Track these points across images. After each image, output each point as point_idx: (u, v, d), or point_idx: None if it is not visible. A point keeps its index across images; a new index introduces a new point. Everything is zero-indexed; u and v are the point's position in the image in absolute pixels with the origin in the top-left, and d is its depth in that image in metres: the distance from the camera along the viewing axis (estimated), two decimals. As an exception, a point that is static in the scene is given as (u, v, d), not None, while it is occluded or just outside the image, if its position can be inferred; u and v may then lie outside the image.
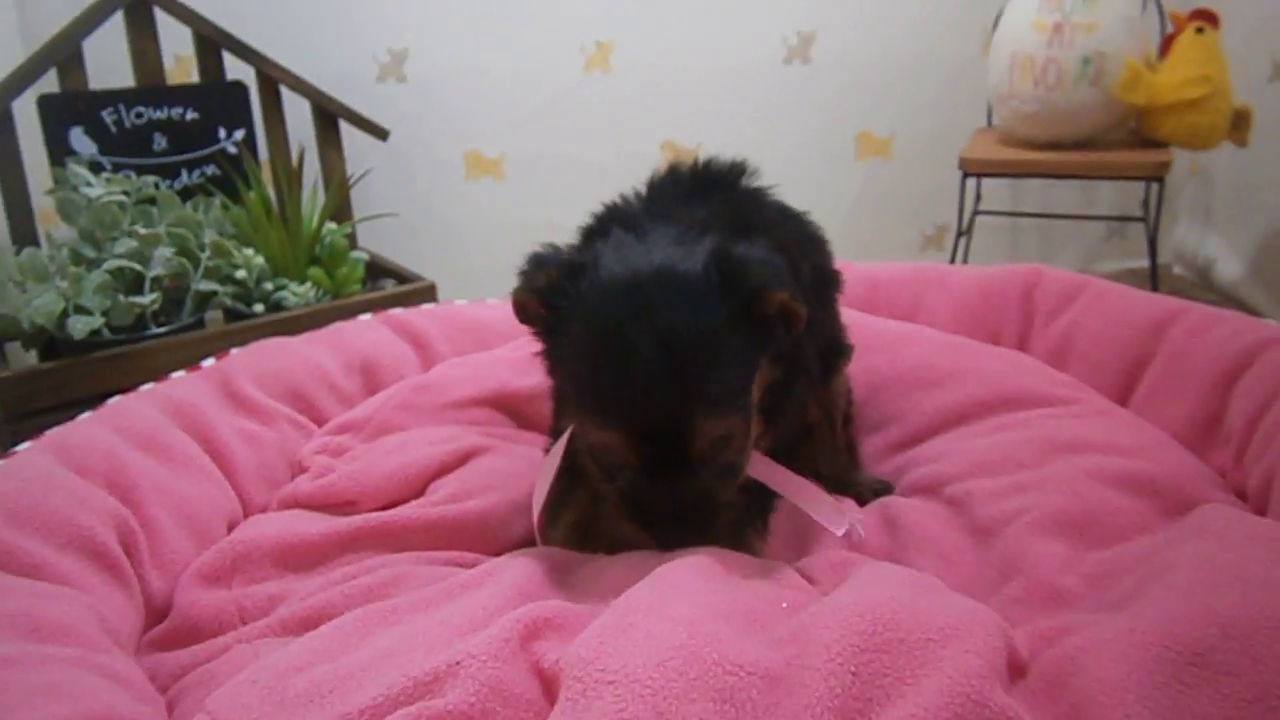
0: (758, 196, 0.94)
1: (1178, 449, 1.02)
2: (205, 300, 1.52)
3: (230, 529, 1.00)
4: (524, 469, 1.02)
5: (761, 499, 0.87)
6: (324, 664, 0.63)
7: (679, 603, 0.64)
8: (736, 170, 0.92)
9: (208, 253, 1.49)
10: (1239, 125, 1.78)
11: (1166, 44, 1.84)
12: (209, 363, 1.19)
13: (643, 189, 0.91)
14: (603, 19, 2.26)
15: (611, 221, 0.85)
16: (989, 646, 0.58)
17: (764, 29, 2.31)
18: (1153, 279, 1.89)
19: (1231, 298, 2.29)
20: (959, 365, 1.19)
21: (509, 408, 1.18)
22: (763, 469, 0.80)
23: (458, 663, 0.59)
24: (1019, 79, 1.83)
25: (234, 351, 1.22)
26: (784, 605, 0.69)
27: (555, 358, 0.80)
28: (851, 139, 2.44)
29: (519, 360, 1.21)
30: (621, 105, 2.31)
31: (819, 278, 0.90)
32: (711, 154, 2.37)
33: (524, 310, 0.78)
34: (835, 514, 0.81)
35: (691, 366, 0.68)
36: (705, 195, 0.87)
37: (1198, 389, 1.06)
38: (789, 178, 2.37)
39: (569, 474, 0.86)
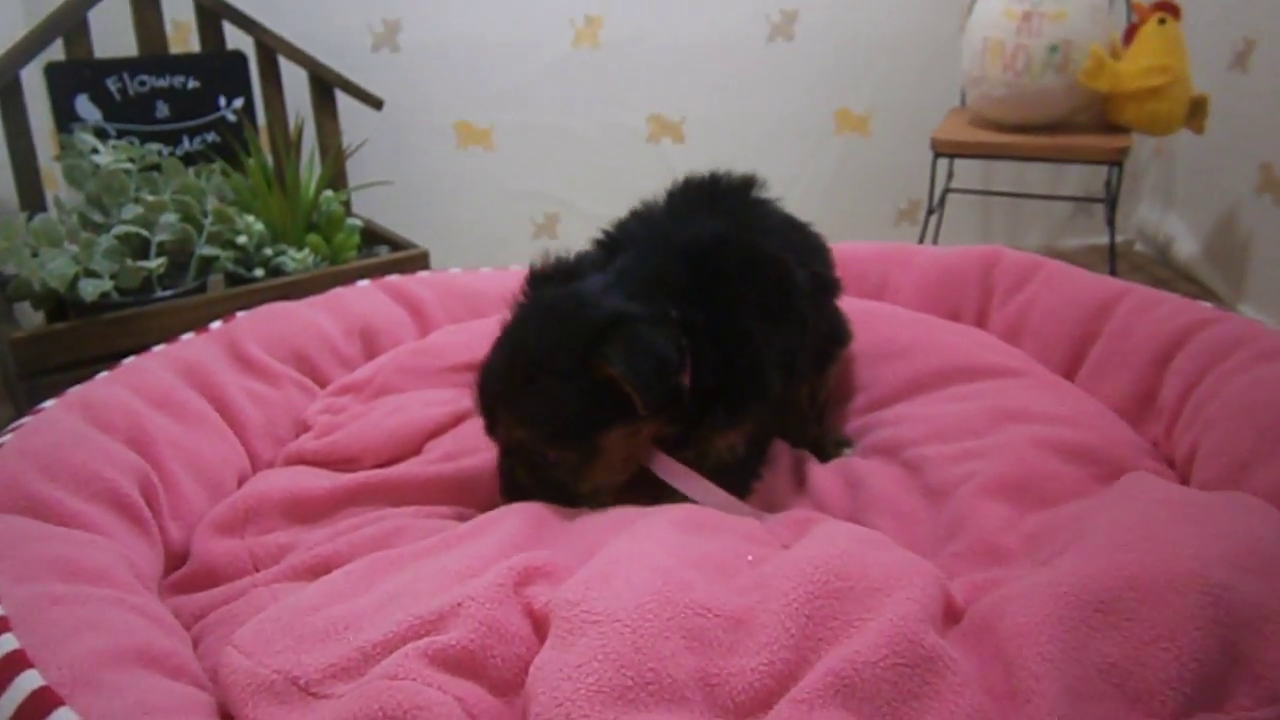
0: (765, 208, 1.01)
1: (1115, 420, 1.08)
2: (208, 265, 1.52)
3: (240, 483, 1.03)
4: None
5: (757, 452, 0.97)
6: (338, 604, 0.69)
7: (656, 553, 0.70)
8: (747, 184, 0.99)
9: (210, 219, 1.49)
10: (1196, 113, 1.82)
11: (1130, 33, 1.87)
12: (217, 325, 1.21)
13: (662, 199, 0.98)
14: (592, -6, 2.25)
15: (631, 231, 0.94)
16: (926, 595, 0.65)
17: (748, 6, 2.28)
18: (1110, 257, 1.94)
19: (1187, 275, 2.33)
20: (919, 339, 1.23)
21: None
22: (668, 469, 0.87)
23: (459, 604, 0.65)
24: (990, 63, 1.85)
25: (240, 315, 1.24)
26: (749, 558, 0.75)
27: None
28: (830, 115, 2.43)
29: None
30: (608, 79, 2.31)
31: (817, 283, 0.98)
32: (697, 129, 2.40)
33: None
34: (731, 505, 0.88)
35: (514, 384, 0.83)
36: (720, 205, 0.95)
37: (1136, 365, 1.12)
38: (770, 151, 2.47)
39: None
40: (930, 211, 2.02)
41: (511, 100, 2.29)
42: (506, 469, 0.89)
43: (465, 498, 0.99)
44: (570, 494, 0.86)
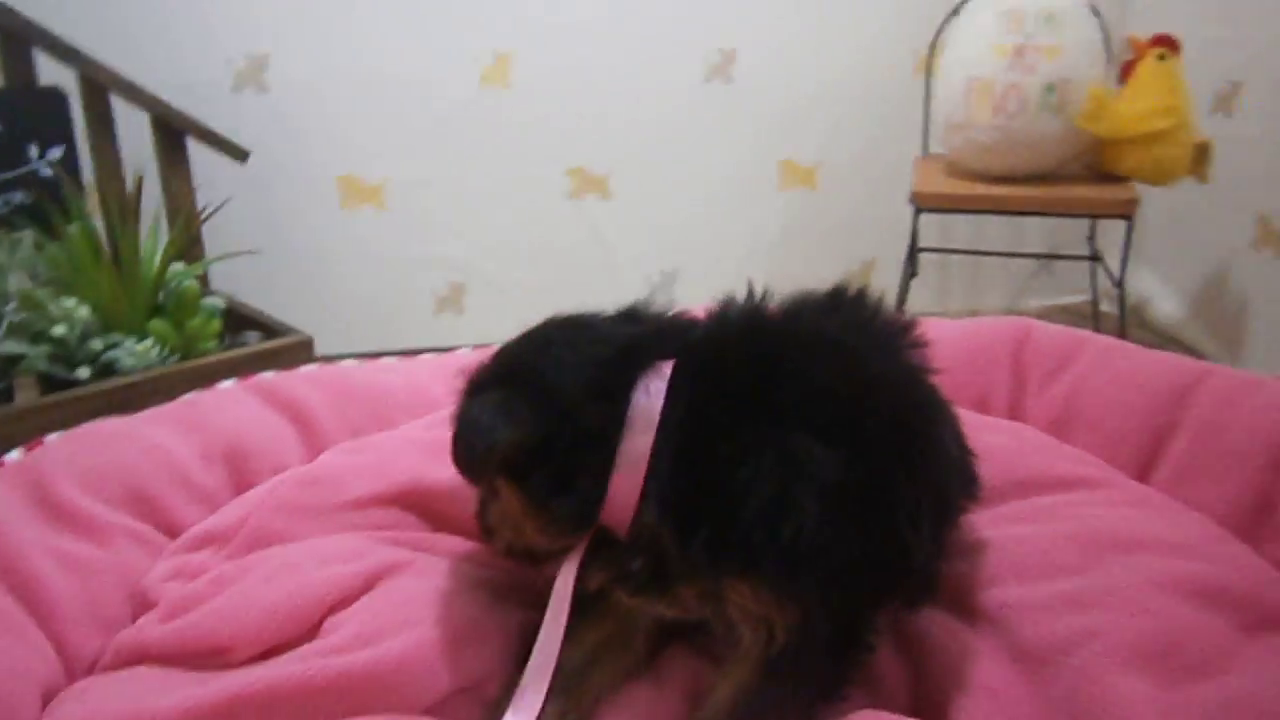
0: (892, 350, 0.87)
1: (1236, 544, 0.93)
2: (10, 365, 1.32)
3: (47, 702, 0.80)
4: (450, 591, 0.87)
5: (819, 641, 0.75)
6: None
7: None
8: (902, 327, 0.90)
9: (13, 304, 1.31)
10: (1200, 159, 1.79)
11: (1126, 70, 1.85)
12: (14, 456, 1.01)
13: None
14: (502, 27, 2.18)
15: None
16: None
17: (682, 44, 2.26)
18: (1121, 323, 1.92)
19: (1170, 337, 2.33)
20: (956, 439, 1.10)
21: (423, 507, 1.02)
22: (557, 591, 0.77)
23: None
24: (976, 106, 1.80)
25: (50, 439, 1.04)
26: None
27: None
28: (774, 166, 2.39)
29: (432, 443, 1.04)
30: (522, 126, 2.24)
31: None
32: (626, 184, 2.32)
33: None
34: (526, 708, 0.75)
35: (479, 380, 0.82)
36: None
37: (1241, 469, 1.00)
38: (707, 208, 2.40)
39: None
40: (912, 274, 1.92)
41: (407, 150, 2.21)
42: None
43: (391, 699, 0.79)
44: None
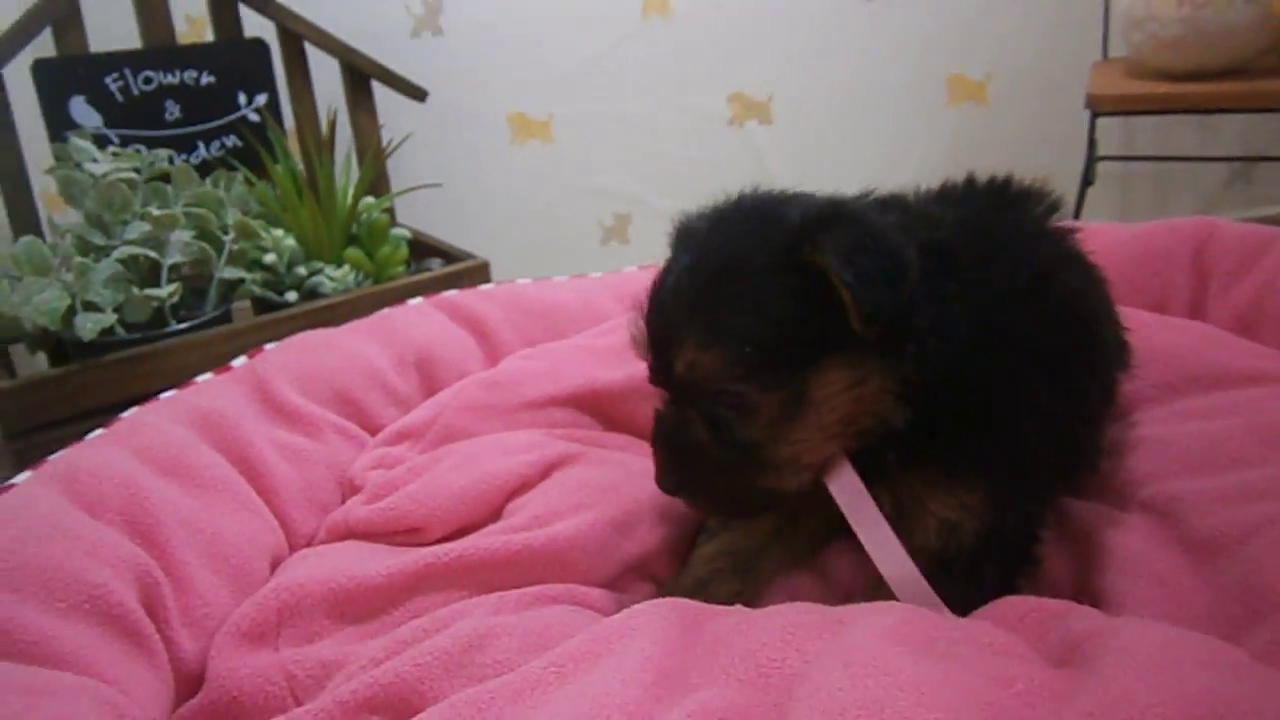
0: (1056, 238, 0.86)
1: None
2: (231, 289, 1.42)
3: (274, 567, 0.89)
4: (620, 480, 0.92)
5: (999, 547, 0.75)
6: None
7: (900, 702, 0.48)
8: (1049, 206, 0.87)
9: (231, 235, 1.38)
10: None
11: None
12: (240, 362, 1.09)
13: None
14: (661, -45, 2.14)
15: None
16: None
17: None
18: None
19: None
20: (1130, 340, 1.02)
21: (595, 408, 1.06)
22: (850, 495, 0.71)
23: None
24: None
25: (268, 348, 1.11)
26: (1018, 687, 0.54)
27: None
28: (942, 83, 2.29)
29: (603, 350, 1.09)
30: (683, 55, 2.20)
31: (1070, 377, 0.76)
32: (787, 108, 2.24)
33: None
34: (913, 587, 0.70)
35: (702, 292, 0.69)
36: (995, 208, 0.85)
37: None
38: (872, 130, 2.29)
39: None
40: (1087, 183, 1.80)
41: (571, 85, 2.20)
42: (667, 437, 0.73)
43: (566, 573, 0.84)
44: (758, 468, 0.70)
